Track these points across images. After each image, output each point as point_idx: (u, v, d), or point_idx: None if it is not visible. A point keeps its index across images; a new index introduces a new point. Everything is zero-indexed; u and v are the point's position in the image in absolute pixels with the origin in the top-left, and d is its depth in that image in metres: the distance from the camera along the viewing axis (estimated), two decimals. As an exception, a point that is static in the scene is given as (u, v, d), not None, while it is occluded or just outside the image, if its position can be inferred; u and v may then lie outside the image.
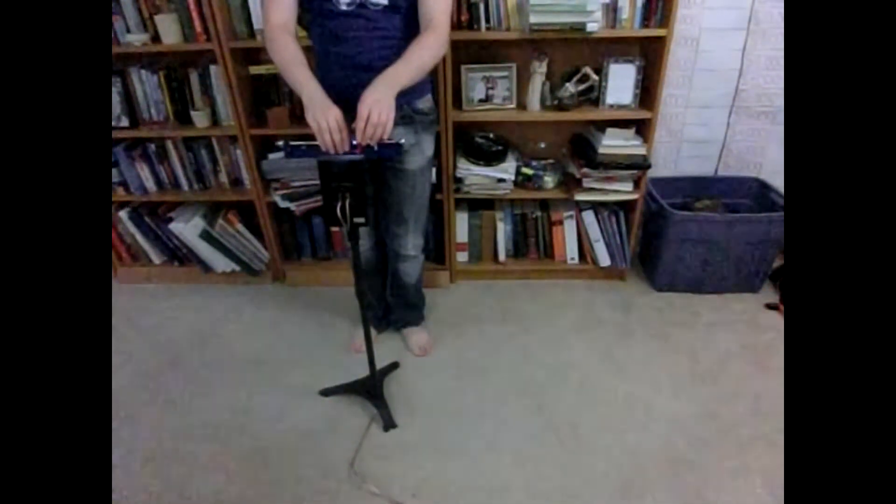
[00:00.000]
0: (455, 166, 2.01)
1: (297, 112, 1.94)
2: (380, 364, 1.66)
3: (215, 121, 1.98)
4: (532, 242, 2.22)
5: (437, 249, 2.22)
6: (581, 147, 2.03)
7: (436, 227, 2.15)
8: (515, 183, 2.06)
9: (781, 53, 2.06)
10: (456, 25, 1.80)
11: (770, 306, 2.06)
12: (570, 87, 1.89)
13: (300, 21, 1.36)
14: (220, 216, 2.16)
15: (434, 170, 1.86)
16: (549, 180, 2.07)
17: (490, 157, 2.01)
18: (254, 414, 1.65)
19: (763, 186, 2.20)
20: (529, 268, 2.25)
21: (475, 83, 1.95)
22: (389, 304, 1.91)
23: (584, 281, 2.24)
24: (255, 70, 1.93)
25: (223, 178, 2.12)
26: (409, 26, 1.31)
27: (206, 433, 1.59)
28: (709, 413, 1.61)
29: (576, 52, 1.97)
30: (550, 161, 2.16)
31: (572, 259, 2.22)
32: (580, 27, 1.70)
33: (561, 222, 2.16)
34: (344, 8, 1.26)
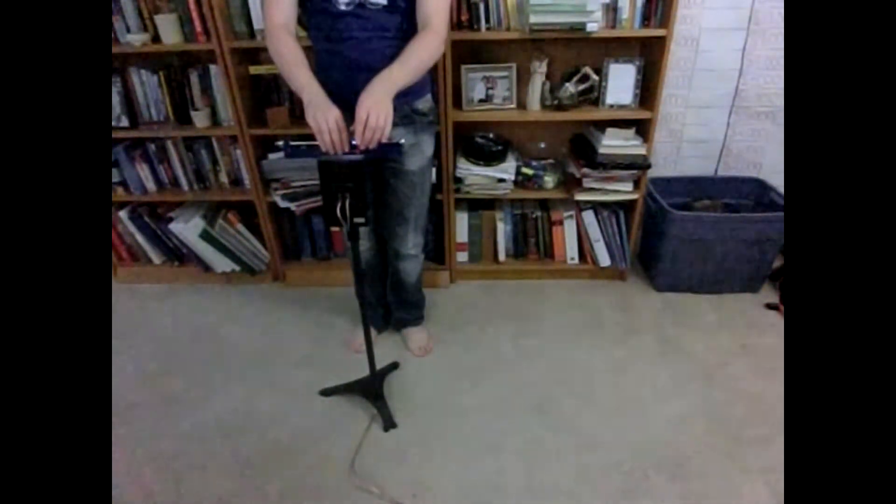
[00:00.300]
0: (455, 166, 2.01)
1: (297, 112, 1.95)
2: (380, 364, 1.66)
3: (215, 121, 1.98)
4: (532, 242, 2.22)
5: (437, 249, 2.21)
6: (581, 147, 2.03)
7: (436, 227, 2.14)
8: (515, 183, 2.06)
9: (781, 53, 2.06)
10: (456, 25, 1.80)
11: (770, 306, 2.06)
12: (570, 87, 1.89)
13: (300, 21, 1.36)
14: (220, 216, 2.16)
15: (434, 170, 1.86)
16: (549, 180, 2.07)
17: (490, 157, 2.01)
18: (254, 414, 1.65)
19: (763, 186, 2.20)
20: (529, 268, 2.24)
21: (475, 83, 1.95)
22: (389, 304, 1.91)
23: (584, 281, 2.24)
24: (255, 70, 1.93)
25: (223, 178, 2.12)
26: (409, 26, 1.31)
27: (205, 433, 1.59)
28: (709, 413, 1.61)
29: (576, 52, 1.97)
30: (550, 161, 2.16)
31: (572, 259, 2.21)
32: (580, 27, 1.71)
33: (561, 222, 2.16)
34: (343, 8, 1.26)
